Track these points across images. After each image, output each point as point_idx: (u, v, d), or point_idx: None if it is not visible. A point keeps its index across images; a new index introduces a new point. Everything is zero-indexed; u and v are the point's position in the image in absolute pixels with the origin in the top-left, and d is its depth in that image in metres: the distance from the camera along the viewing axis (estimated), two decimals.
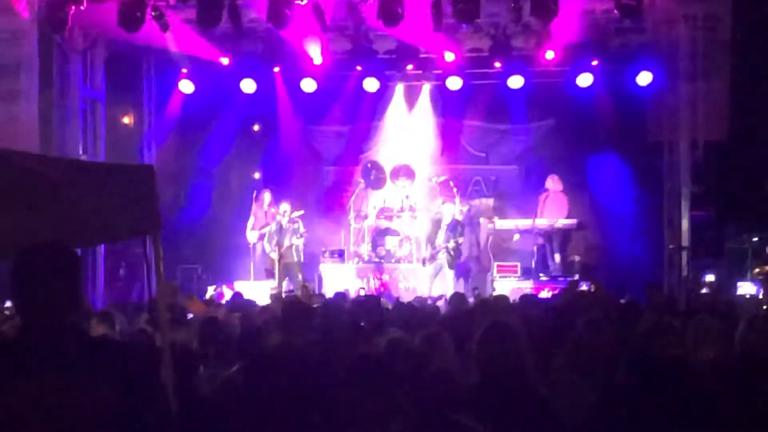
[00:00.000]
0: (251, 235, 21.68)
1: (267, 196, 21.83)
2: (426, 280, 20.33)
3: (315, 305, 10.82)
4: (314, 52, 20.19)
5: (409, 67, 21.22)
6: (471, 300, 15.19)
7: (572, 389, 6.41)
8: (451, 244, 20.16)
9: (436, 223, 20.85)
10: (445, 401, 5.49)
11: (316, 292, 18.39)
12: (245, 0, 18.36)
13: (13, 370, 3.91)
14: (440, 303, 16.46)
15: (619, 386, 6.13)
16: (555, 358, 7.14)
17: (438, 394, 5.62)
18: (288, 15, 17.76)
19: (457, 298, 13.66)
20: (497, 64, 20.47)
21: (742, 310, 10.32)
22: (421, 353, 6.54)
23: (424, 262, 20.60)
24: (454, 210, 21.05)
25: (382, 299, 13.90)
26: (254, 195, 21.93)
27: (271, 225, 21.13)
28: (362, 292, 18.74)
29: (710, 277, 18.18)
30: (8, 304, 11.89)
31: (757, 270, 17.76)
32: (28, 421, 3.85)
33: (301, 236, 20.69)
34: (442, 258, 20.22)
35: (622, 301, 13.12)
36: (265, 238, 21.08)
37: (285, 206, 20.82)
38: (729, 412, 5.84)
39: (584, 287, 16.06)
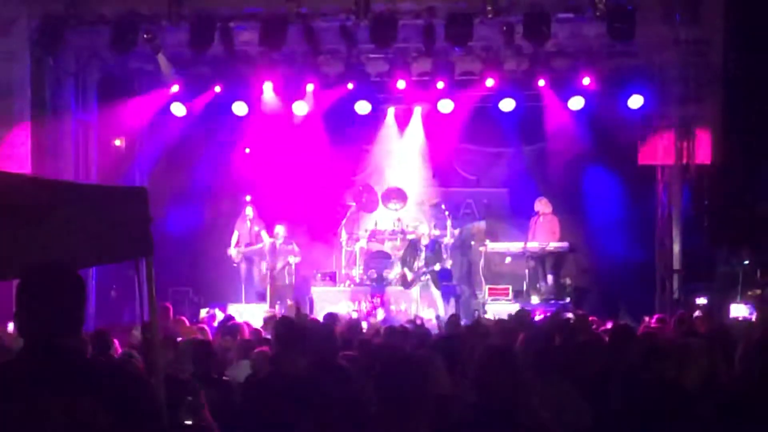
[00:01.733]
0: (234, 252, 21.66)
1: (249, 209, 21.78)
2: (415, 303, 20.25)
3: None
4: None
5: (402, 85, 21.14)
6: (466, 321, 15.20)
7: (569, 412, 6.41)
8: (437, 267, 20.14)
9: (413, 245, 20.77)
10: (442, 424, 5.48)
11: (308, 314, 18.33)
12: (237, 23, 18.39)
13: (11, 392, 3.90)
14: (432, 324, 16.50)
15: (614, 410, 6.13)
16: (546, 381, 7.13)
17: (434, 417, 5.60)
18: (281, 38, 17.81)
19: (452, 320, 13.67)
20: (490, 82, 20.45)
21: (736, 332, 10.31)
22: (413, 376, 6.52)
23: (406, 285, 20.44)
24: (430, 231, 21.00)
25: (372, 321, 13.89)
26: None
27: (259, 245, 21.13)
28: (354, 314, 18.70)
29: (702, 300, 18.17)
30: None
31: (749, 293, 17.78)
32: None
33: (298, 255, 20.62)
34: (426, 280, 20.16)
35: (609, 324, 13.12)
36: (263, 263, 21.04)
37: (279, 228, 20.79)
38: None
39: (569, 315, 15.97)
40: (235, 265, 21.77)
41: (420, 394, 5.33)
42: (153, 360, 6.13)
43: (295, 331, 7.21)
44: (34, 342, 4.06)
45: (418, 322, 15.79)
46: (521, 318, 13.15)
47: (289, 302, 19.09)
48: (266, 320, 15.26)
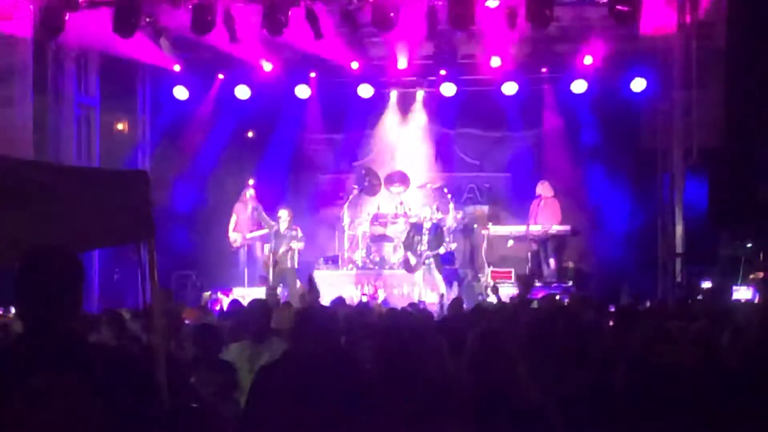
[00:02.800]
0: (233, 236, 21.62)
1: (249, 192, 21.69)
2: (418, 286, 20.25)
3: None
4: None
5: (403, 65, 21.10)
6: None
7: (567, 395, 6.40)
8: (442, 250, 20.14)
9: (416, 228, 20.73)
10: (438, 406, 5.48)
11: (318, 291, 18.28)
12: (240, 7, 18.36)
13: (11, 375, 3.90)
14: (434, 308, 16.49)
15: (617, 393, 6.12)
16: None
17: (431, 400, 5.60)
18: (283, 22, 17.78)
19: (456, 303, 13.67)
20: (496, 61, 20.37)
21: (739, 315, 10.30)
22: (415, 358, 6.52)
23: (409, 269, 20.41)
24: (432, 214, 20.98)
25: (376, 305, 13.90)
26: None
27: (263, 231, 21.08)
28: (364, 299, 18.72)
29: (707, 284, 18.16)
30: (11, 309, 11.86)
31: (751, 276, 17.77)
32: (26, 427, 3.84)
33: (301, 240, 20.61)
34: (429, 263, 20.15)
35: (612, 308, 13.09)
36: (266, 246, 20.99)
37: (283, 212, 20.75)
38: (724, 416, 5.83)
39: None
40: (233, 249, 21.72)
41: (415, 370, 5.34)
42: (155, 343, 6.14)
43: (306, 319, 7.21)
44: (33, 325, 4.07)
45: (421, 306, 15.78)
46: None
47: (299, 284, 19.06)
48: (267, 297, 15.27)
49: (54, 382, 3.88)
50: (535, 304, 12.74)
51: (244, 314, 9.90)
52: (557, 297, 15.41)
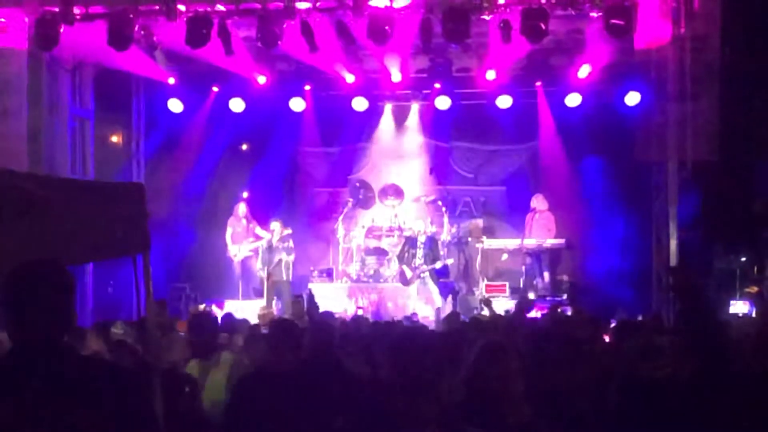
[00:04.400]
0: (233, 249, 21.61)
1: (242, 206, 21.72)
2: (413, 299, 20.24)
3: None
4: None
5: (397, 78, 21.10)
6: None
7: (561, 411, 6.39)
8: (438, 265, 20.13)
9: (410, 241, 20.72)
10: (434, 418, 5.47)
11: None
12: (235, 20, 18.37)
13: (2, 391, 3.88)
14: (429, 321, 16.49)
15: (610, 409, 6.12)
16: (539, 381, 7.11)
17: (423, 410, 5.60)
18: (277, 34, 17.80)
19: (452, 317, 13.66)
20: (491, 74, 20.39)
21: (736, 329, 10.29)
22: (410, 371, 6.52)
23: (405, 282, 20.40)
24: (426, 228, 20.98)
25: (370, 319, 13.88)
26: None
27: (260, 242, 21.07)
28: (360, 312, 18.72)
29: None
30: None
31: (746, 290, 17.80)
32: None
33: (291, 253, 20.60)
34: (425, 276, 20.15)
35: (612, 321, 13.09)
36: (259, 258, 20.99)
37: (275, 224, 20.74)
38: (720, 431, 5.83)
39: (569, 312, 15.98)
40: (235, 263, 21.68)
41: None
42: (150, 354, 6.13)
43: (288, 328, 7.22)
44: (25, 341, 4.03)
45: (414, 318, 15.77)
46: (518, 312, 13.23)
47: (291, 300, 19.09)
48: (261, 316, 15.24)
49: (46, 398, 3.86)
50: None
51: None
52: (559, 310, 15.40)
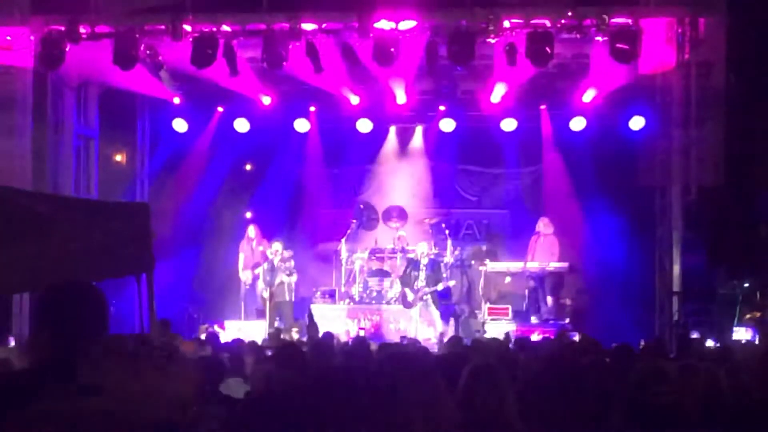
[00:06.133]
0: (245, 275, 21.56)
1: (251, 229, 21.71)
2: (415, 322, 20.18)
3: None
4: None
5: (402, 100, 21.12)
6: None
7: None
8: (440, 287, 20.06)
9: (413, 263, 20.67)
10: None
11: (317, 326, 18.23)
12: (240, 40, 18.41)
13: (30, 402, 3.86)
14: (431, 343, 16.43)
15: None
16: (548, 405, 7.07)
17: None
18: (283, 55, 17.84)
19: (454, 341, 13.61)
20: (498, 94, 20.40)
21: (739, 355, 10.28)
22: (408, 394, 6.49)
23: (407, 305, 20.33)
24: (430, 250, 20.95)
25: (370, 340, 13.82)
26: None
27: (263, 264, 21.03)
28: (362, 333, 18.69)
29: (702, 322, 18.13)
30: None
31: (748, 315, 17.74)
32: None
33: (292, 274, 20.58)
34: (427, 299, 20.09)
35: (613, 345, 13.04)
36: (260, 279, 20.97)
37: (277, 245, 20.73)
38: None
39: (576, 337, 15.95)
40: (246, 286, 21.61)
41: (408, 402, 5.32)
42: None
43: (293, 350, 7.20)
44: (60, 359, 4.00)
45: (404, 342, 15.60)
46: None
47: (294, 326, 19.13)
48: (270, 337, 15.24)
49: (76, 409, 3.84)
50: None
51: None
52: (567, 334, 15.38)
